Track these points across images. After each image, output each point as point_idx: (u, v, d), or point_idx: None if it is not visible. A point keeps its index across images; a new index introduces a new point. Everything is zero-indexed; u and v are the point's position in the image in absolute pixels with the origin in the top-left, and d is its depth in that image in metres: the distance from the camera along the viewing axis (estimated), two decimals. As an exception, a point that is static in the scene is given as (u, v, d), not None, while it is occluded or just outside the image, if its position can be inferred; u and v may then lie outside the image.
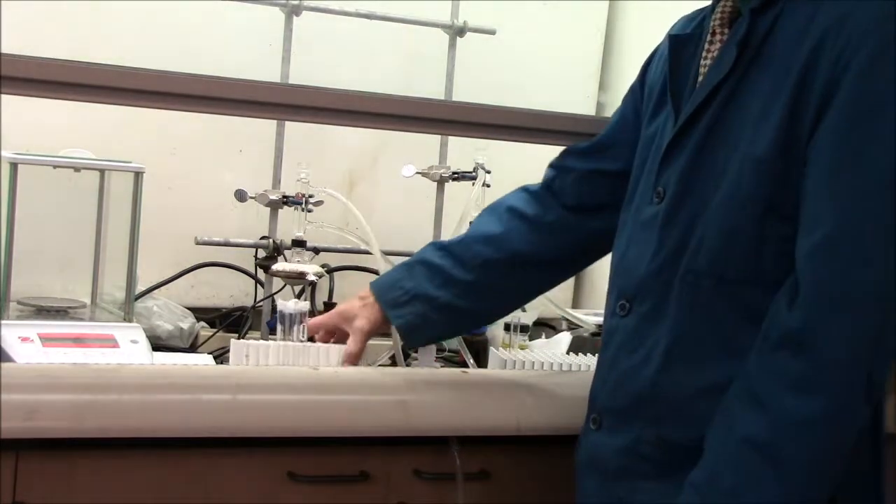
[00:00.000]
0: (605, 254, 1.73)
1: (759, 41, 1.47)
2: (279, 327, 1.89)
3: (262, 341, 1.88)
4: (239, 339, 2.27)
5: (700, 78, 1.55)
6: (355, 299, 1.84)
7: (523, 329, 2.27)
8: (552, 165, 1.83)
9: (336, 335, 1.87)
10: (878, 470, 1.52)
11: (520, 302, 1.99)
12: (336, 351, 1.83)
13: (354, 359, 1.81)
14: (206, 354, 2.16)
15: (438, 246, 1.81)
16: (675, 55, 1.61)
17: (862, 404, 1.38)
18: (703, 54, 1.56)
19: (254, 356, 1.82)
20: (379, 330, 1.82)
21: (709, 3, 1.60)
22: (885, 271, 1.36)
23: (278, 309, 1.88)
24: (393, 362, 2.04)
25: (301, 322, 1.89)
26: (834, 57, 1.39)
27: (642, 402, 1.51)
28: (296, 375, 1.74)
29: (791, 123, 1.42)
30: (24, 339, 1.85)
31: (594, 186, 1.76)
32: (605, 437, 1.57)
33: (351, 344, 1.81)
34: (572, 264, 1.87)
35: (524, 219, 1.78)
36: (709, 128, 1.50)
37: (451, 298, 1.76)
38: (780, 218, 1.43)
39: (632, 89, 1.77)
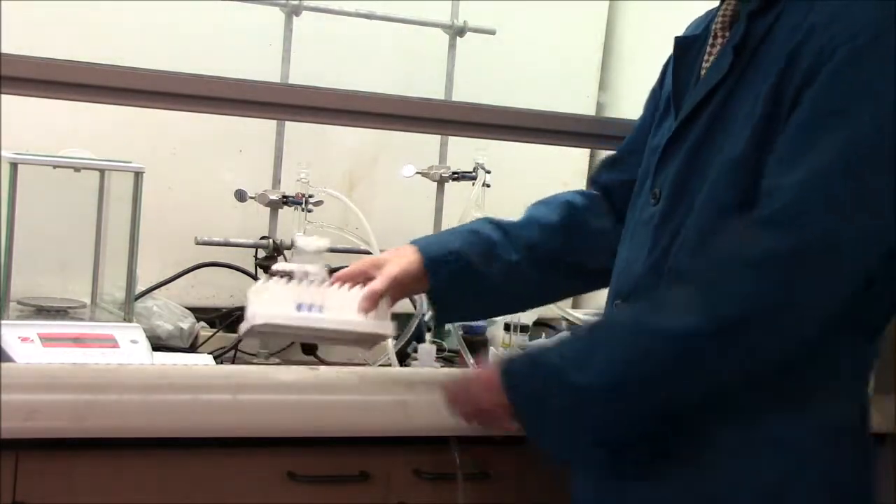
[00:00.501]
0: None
1: (755, 44, 1.48)
2: (298, 266, 1.74)
3: (279, 282, 1.71)
4: (239, 338, 2.27)
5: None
6: (390, 252, 1.74)
7: (523, 329, 2.28)
8: (593, 181, 1.83)
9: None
10: (866, 471, 1.52)
11: (550, 298, 1.96)
12: (356, 292, 1.68)
13: (374, 298, 1.64)
14: (206, 354, 2.16)
15: (491, 220, 1.76)
16: (680, 57, 1.61)
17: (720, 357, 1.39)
18: (706, 57, 1.57)
19: (271, 296, 1.67)
20: (409, 283, 1.69)
21: (714, 3, 1.60)
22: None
23: (297, 245, 1.75)
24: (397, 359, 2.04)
25: (321, 260, 1.73)
26: (816, 50, 1.39)
27: None
28: (296, 375, 1.74)
29: (769, 118, 1.42)
30: (24, 339, 1.85)
31: (626, 196, 1.72)
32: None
33: (376, 282, 1.66)
34: (600, 274, 1.79)
35: (577, 215, 1.76)
36: (704, 131, 1.51)
37: (491, 273, 1.69)
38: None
39: (651, 92, 1.77)
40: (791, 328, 1.38)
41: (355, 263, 1.72)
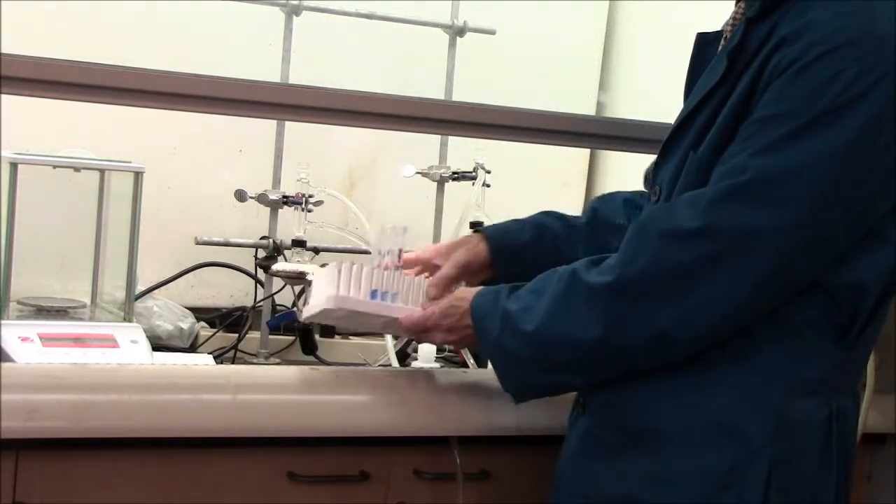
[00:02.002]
0: None
1: (753, 50, 1.48)
2: (374, 254, 1.74)
3: (350, 267, 1.67)
4: (239, 338, 2.28)
5: None
6: (452, 242, 1.79)
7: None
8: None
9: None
10: (825, 472, 1.51)
11: None
12: (425, 281, 1.71)
13: (445, 284, 1.70)
14: (206, 354, 2.16)
15: (556, 215, 1.81)
16: (698, 53, 1.62)
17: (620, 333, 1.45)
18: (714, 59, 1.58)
19: (344, 280, 1.66)
20: (476, 270, 1.74)
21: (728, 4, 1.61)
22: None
23: (372, 238, 1.77)
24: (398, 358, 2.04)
25: (399, 248, 1.74)
26: (781, 57, 1.42)
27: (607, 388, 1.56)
28: (296, 375, 1.74)
29: (734, 123, 1.45)
30: (24, 339, 1.86)
31: None
32: (583, 420, 1.59)
33: (446, 268, 1.71)
34: None
35: (632, 209, 1.79)
36: (699, 132, 1.51)
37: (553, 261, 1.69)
38: None
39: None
40: (686, 306, 1.42)
41: (421, 251, 1.77)
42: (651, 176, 1.61)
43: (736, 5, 1.57)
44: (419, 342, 1.74)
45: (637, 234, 1.47)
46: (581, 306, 1.48)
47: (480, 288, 1.61)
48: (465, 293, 1.62)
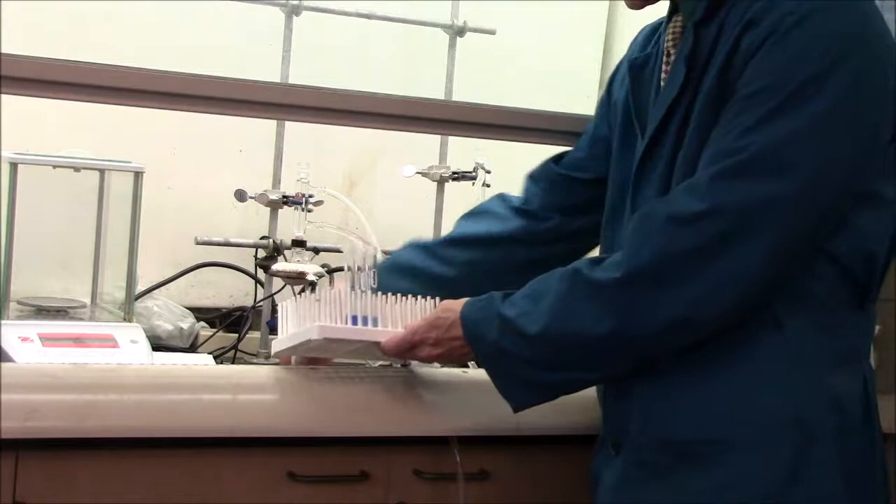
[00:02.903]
0: (583, 254, 1.80)
1: (707, 53, 1.50)
2: (350, 275, 1.69)
3: (332, 293, 1.66)
4: (239, 338, 2.28)
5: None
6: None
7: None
8: (530, 175, 1.88)
9: None
10: (875, 468, 1.53)
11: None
12: (404, 304, 1.67)
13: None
14: (206, 354, 2.16)
15: (418, 246, 1.84)
16: (635, 79, 1.65)
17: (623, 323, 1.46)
18: (662, 75, 1.60)
19: (322, 309, 1.63)
20: None
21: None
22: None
23: (347, 255, 1.70)
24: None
25: (371, 268, 1.69)
26: (747, 45, 1.44)
27: (645, 412, 1.55)
28: (296, 375, 1.74)
29: (712, 111, 1.48)
30: (24, 339, 1.85)
31: (577, 191, 1.80)
32: (621, 458, 1.58)
33: None
34: (559, 261, 1.86)
35: (504, 220, 1.83)
36: (674, 146, 1.53)
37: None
38: None
39: (601, 102, 1.81)
40: (701, 287, 1.42)
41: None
42: (629, 199, 1.61)
43: (671, 21, 1.60)
44: (405, 362, 1.72)
45: (641, 225, 1.48)
46: (588, 303, 1.47)
47: (467, 299, 1.59)
48: (451, 304, 1.60)
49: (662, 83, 1.59)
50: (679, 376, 1.50)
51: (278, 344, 1.72)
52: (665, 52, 1.60)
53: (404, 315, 1.65)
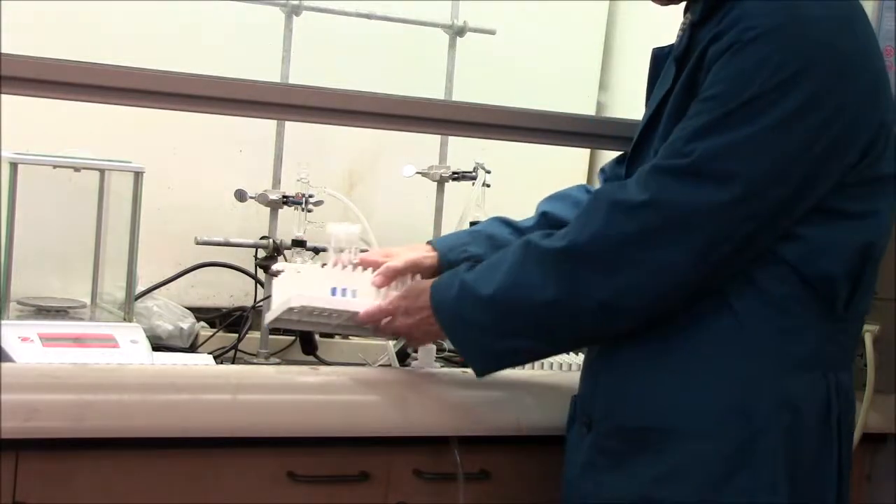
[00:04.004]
0: None
1: (700, 53, 1.52)
2: (331, 251, 1.81)
3: (311, 267, 1.80)
4: (239, 338, 2.28)
5: None
6: (404, 247, 1.84)
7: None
8: (601, 169, 1.93)
9: None
10: (827, 473, 1.54)
11: None
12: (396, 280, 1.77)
13: (391, 274, 1.76)
14: (206, 354, 2.16)
15: (503, 220, 1.85)
16: (654, 70, 1.69)
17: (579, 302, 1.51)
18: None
19: (305, 279, 1.75)
20: (425, 274, 1.79)
21: None
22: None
23: (330, 231, 1.82)
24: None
25: (352, 246, 1.81)
26: (717, 49, 1.48)
27: (599, 392, 1.60)
28: (296, 375, 1.74)
29: (682, 105, 1.52)
30: (24, 339, 1.85)
31: None
32: (590, 437, 1.60)
33: (394, 261, 1.78)
34: None
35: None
36: (663, 138, 1.55)
37: None
38: None
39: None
40: (627, 276, 1.48)
41: (370, 252, 1.83)
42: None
43: (684, 17, 1.62)
44: (380, 333, 1.76)
45: (590, 204, 1.55)
46: (534, 267, 1.53)
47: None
48: (427, 280, 1.67)
49: (660, 79, 1.63)
50: (636, 365, 1.55)
51: (268, 315, 1.79)
52: (674, 48, 1.62)
53: (381, 290, 1.71)
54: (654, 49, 1.71)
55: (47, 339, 1.87)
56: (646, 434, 1.52)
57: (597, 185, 1.96)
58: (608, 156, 2.82)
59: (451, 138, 2.51)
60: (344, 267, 1.75)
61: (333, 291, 1.71)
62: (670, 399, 1.51)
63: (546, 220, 1.83)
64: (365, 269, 1.76)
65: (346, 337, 2.44)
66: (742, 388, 1.49)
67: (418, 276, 1.77)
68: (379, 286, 1.74)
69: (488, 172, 2.38)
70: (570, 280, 1.51)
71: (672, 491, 1.50)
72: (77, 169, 2.08)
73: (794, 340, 1.51)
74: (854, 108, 1.47)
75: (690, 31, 1.56)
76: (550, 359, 2.09)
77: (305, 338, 2.23)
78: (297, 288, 1.70)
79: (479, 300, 1.57)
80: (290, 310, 1.70)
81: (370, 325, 1.73)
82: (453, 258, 1.78)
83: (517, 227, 1.83)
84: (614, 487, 1.55)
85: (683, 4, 1.64)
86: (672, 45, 1.66)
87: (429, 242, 1.84)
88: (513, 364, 1.67)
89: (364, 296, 1.72)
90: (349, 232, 1.79)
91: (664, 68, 1.63)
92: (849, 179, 1.49)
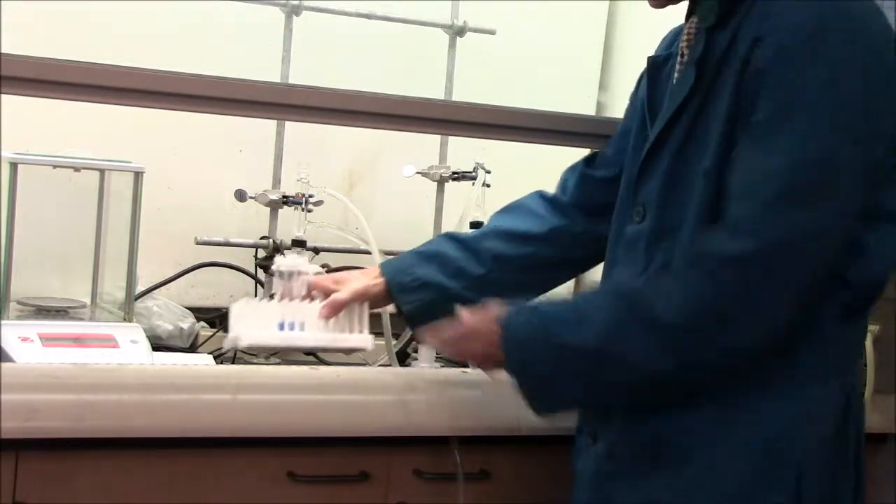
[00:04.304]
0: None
1: (718, 58, 1.50)
2: (278, 283, 1.80)
3: (260, 302, 1.78)
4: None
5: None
6: (355, 272, 1.83)
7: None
8: (565, 172, 1.87)
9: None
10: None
11: (536, 294, 1.98)
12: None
13: (336, 306, 1.72)
14: (206, 354, 2.16)
15: (452, 237, 1.81)
16: (652, 77, 1.66)
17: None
18: (675, 75, 1.60)
19: (254, 316, 1.73)
20: (373, 301, 1.76)
21: None
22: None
23: (275, 266, 1.81)
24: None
25: (299, 278, 1.78)
26: (758, 64, 1.44)
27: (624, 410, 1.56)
28: (296, 375, 1.74)
29: (729, 137, 1.47)
30: (24, 339, 1.85)
31: (600, 191, 1.78)
32: (597, 447, 1.59)
33: (340, 293, 1.73)
34: (581, 264, 1.88)
35: (539, 218, 1.81)
36: (679, 147, 1.53)
37: (460, 290, 1.73)
38: None
39: (630, 99, 1.81)
40: (747, 326, 1.43)
41: (321, 277, 1.78)
42: (631, 197, 1.61)
43: (687, 22, 1.60)
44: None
45: (691, 266, 1.46)
46: (648, 338, 1.46)
47: (509, 304, 1.57)
48: (491, 308, 1.57)
49: (675, 83, 1.59)
50: None
51: (225, 344, 1.80)
52: (680, 53, 1.60)
53: (330, 321, 1.71)
54: (649, 58, 1.68)
55: (47, 339, 1.87)
56: (664, 447, 1.50)
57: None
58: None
59: (451, 138, 2.51)
60: (291, 299, 1.74)
61: (281, 326, 1.70)
62: (689, 412, 1.49)
63: (495, 234, 1.79)
64: (313, 299, 1.74)
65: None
66: (762, 400, 1.48)
67: (366, 305, 1.73)
68: (326, 318, 1.71)
69: (488, 172, 2.38)
70: (690, 353, 1.45)
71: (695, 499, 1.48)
72: (77, 169, 2.08)
73: (818, 351, 1.49)
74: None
75: (706, 35, 1.52)
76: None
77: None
78: (246, 324, 1.69)
79: (574, 350, 1.49)
80: (237, 348, 1.73)
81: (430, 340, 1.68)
82: (401, 280, 1.75)
83: (465, 242, 1.78)
84: (629, 500, 1.53)
85: (685, 7, 1.62)
86: (668, 53, 1.65)
87: (380, 265, 1.80)
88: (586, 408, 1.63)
89: (312, 328, 1.70)
90: (295, 263, 1.78)
91: (668, 78, 1.61)
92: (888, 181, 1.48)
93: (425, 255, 1.78)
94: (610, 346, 1.47)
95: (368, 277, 1.76)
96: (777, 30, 1.43)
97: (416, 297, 1.74)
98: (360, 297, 1.73)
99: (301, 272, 1.76)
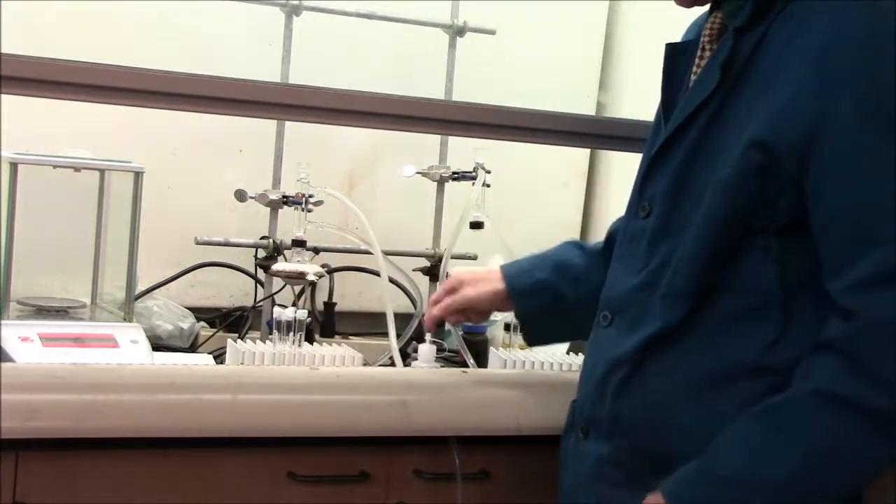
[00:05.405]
0: None
1: (743, 62, 1.47)
2: (276, 333, 1.90)
3: (259, 345, 1.88)
4: (238, 339, 2.28)
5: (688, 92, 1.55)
6: (475, 274, 1.81)
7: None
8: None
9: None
10: None
11: None
12: (330, 359, 1.88)
13: (446, 310, 1.79)
14: (206, 354, 2.16)
15: (576, 245, 1.81)
16: (670, 64, 1.60)
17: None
18: (694, 68, 1.57)
19: (249, 361, 1.83)
20: (485, 306, 1.79)
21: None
22: None
23: (274, 316, 1.89)
24: (392, 363, 2.04)
25: (298, 329, 1.89)
26: (816, 89, 1.39)
27: (620, 411, 1.53)
28: (296, 375, 1.74)
29: (761, 167, 1.42)
30: (24, 339, 1.86)
31: None
32: (590, 445, 1.58)
33: (456, 298, 1.78)
34: None
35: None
36: (693, 145, 1.50)
37: (579, 297, 1.72)
38: (754, 232, 1.44)
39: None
40: None
41: (445, 307, 1.80)
42: (638, 191, 1.58)
43: (710, 14, 1.56)
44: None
45: (874, 339, 1.37)
46: (873, 435, 1.39)
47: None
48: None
49: (694, 76, 1.55)
50: (668, 392, 1.49)
51: None
52: (701, 47, 1.56)
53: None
54: (668, 44, 1.62)
55: (47, 339, 1.87)
56: (673, 459, 1.46)
57: (597, 187, 1.90)
58: (608, 155, 2.83)
59: (451, 138, 2.51)
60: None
61: None
62: (699, 425, 1.46)
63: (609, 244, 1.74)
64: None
65: (346, 336, 2.44)
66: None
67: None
68: (432, 318, 1.81)
69: (488, 172, 2.37)
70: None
71: None
72: (77, 169, 2.08)
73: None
74: None
75: (734, 35, 1.48)
76: (550, 358, 2.09)
77: (326, 320, 2.29)
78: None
79: (770, 487, 1.39)
80: None
81: None
82: (521, 283, 1.75)
83: (587, 251, 1.78)
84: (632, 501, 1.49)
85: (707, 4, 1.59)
86: (688, 41, 1.60)
87: (500, 267, 1.79)
88: None
89: None
90: (292, 317, 1.88)
91: (686, 69, 1.57)
92: None
93: (548, 258, 1.78)
94: (823, 460, 1.40)
95: (487, 283, 1.77)
96: (836, 55, 1.39)
97: (535, 300, 1.74)
98: (470, 306, 1.79)
99: (300, 322, 1.87)
